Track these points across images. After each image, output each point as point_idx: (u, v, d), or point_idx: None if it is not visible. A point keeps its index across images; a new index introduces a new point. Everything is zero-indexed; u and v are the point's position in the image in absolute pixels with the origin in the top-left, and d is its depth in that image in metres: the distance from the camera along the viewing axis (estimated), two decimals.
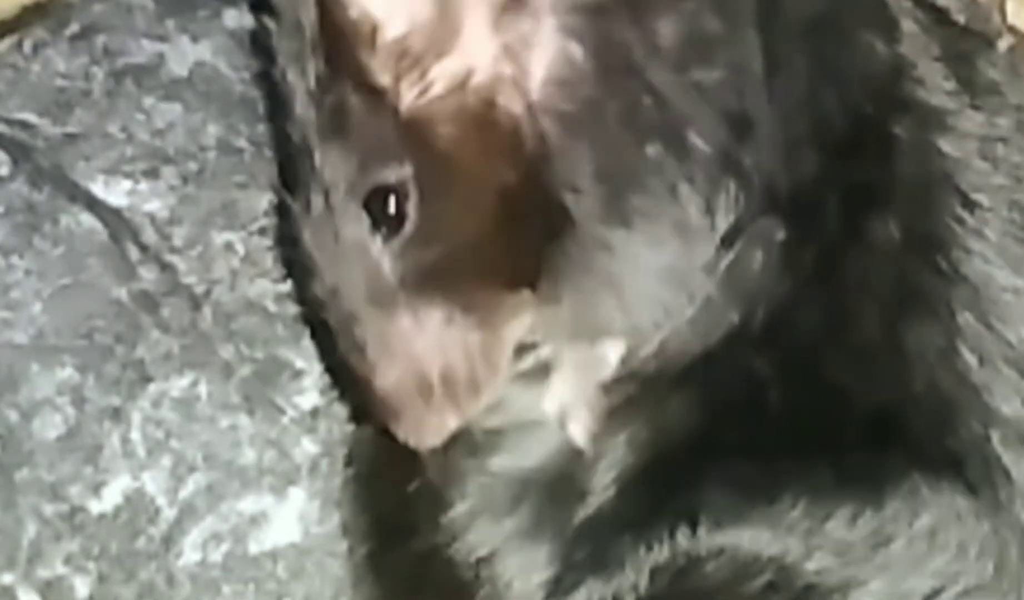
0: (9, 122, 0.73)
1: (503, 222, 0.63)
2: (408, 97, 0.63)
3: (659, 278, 0.64)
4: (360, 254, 0.64)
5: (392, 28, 0.63)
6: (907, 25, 0.67)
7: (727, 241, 0.64)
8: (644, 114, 0.63)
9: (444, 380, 0.64)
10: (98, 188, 0.73)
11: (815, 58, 0.65)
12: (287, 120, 0.65)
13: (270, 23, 0.66)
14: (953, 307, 0.64)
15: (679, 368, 0.65)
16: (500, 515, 0.68)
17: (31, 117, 0.73)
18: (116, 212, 0.73)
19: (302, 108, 0.64)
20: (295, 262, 0.68)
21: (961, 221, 0.64)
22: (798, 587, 0.64)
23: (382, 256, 0.64)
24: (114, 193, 0.73)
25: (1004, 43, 0.76)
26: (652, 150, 0.63)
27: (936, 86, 0.66)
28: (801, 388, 0.63)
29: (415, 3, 0.63)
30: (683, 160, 0.63)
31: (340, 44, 0.63)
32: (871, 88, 0.65)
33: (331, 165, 0.64)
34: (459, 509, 0.69)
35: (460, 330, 0.64)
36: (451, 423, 0.65)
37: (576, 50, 0.63)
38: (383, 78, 0.63)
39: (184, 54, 0.75)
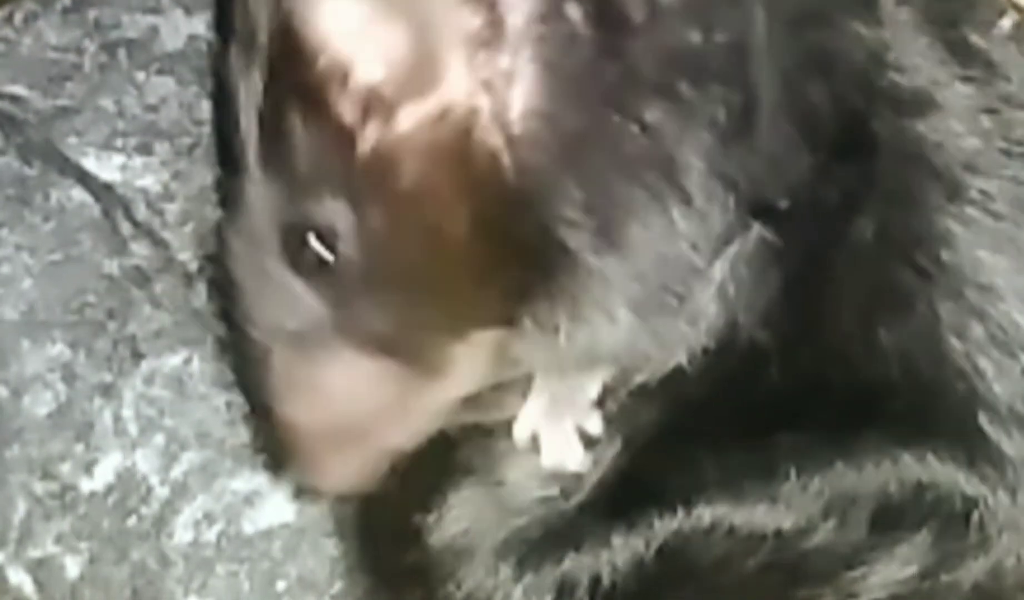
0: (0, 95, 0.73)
1: (475, 261, 0.61)
2: (372, 136, 0.61)
3: (657, 304, 0.63)
4: (280, 289, 0.62)
5: (365, 74, 0.62)
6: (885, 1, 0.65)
7: (717, 251, 0.63)
8: (631, 142, 0.61)
9: (356, 431, 0.62)
10: (90, 163, 0.72)
11: (803, 51, 0.63)
12: (231, 130, 0.63)
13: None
14: (934, 301, 0.63)
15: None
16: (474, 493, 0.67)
17: (22, 90, 0.73)
18: (108, 187, 0.72)
19: (245, 123, 0.63)
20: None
21: (943, 209, 0.63)
22: (796, 565, 0.63)
23: (305, 295, 0.62)
24: (106, 168, 0.72)
25: (1008, 21, 0.75)
26: (644, 177, 0.61)
27: (914, 66, 0.64)
28: (783, 377, 0.63)
29: (390, 49, 0.60)
30: (675, 182, 0.61)
31: (298, 74, 0.62)
32: (855, 80, 0.63)
33: (260, 191, 0.62)
34: (439, 493, 0.68)
35: (385, 382, 0.61)
36: (355, 475, 0.63)
37: (556, 82, 0.60)
38: (347, 117, 0.62)
39: (177, 27, 0.74)
